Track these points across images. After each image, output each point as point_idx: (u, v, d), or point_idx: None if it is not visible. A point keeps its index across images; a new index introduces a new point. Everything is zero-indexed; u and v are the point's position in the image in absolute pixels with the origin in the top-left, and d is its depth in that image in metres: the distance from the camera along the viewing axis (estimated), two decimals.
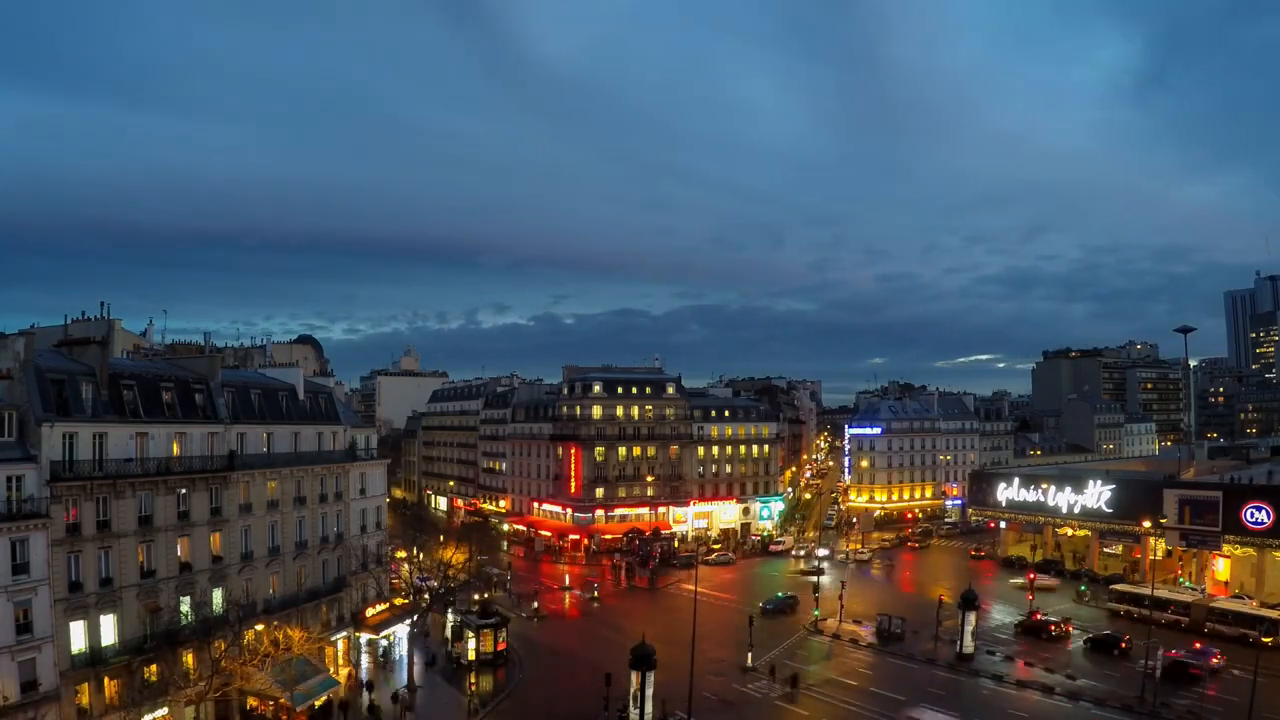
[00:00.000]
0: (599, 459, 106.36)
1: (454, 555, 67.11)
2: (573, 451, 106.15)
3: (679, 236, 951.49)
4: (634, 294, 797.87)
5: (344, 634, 57.93)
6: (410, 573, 77.05)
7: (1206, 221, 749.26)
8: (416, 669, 57.18)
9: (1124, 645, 58.98)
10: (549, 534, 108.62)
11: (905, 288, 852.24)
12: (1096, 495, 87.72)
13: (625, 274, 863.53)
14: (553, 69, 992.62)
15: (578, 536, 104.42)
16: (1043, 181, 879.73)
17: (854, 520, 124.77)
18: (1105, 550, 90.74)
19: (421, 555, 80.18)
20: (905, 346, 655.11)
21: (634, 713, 44.12)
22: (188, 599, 44.48)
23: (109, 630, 40.46)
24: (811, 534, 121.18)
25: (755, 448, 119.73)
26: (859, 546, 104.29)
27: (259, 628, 47.43)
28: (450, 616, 63.82)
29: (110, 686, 39.90)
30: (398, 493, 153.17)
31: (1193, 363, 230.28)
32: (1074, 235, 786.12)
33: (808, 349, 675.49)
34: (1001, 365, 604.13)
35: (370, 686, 53.22)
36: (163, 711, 41.56)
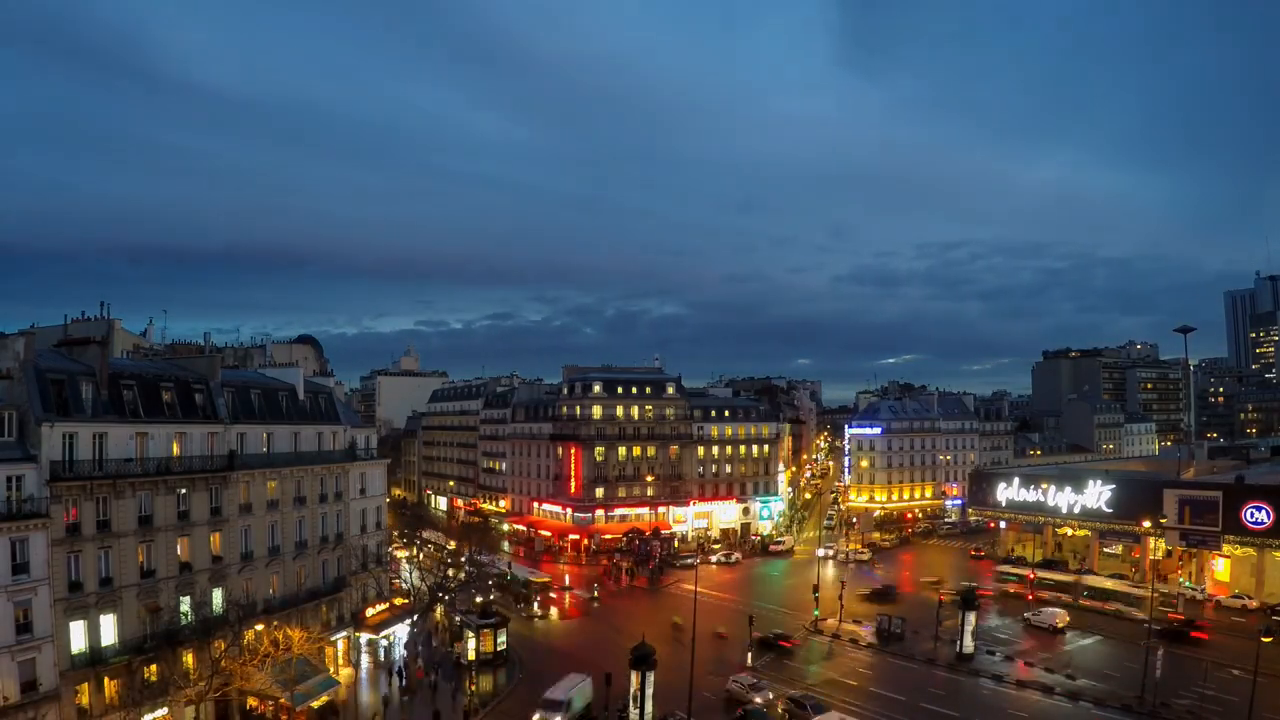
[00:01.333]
0: (599, 459, 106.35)
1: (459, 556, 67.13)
2: (573, 451, 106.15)
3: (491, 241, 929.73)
4: (497, 299, 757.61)
5: (344, 634, 57.94)
6: (412, 571, 77.10)
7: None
8: (417, 669, 57.16)
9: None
10: (549, 534, 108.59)
11: (763, 289, 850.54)
12: (1096, 495, 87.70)
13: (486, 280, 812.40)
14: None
15: (578, 536, 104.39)
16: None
17: (854, 520, 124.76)
18: (1105, 550, 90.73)
19: (421, 555, 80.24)
20: (814, 345, 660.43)
21: (634, 713, 44.12)
22: (188, 599, 44.52)
23: (109, 630, 40.48)
24: (811, 533, 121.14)
25: (755, 448, 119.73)
26: (859, 546, 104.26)
27: (259, 628, 47.44)
28: (451, 616, 63.91)
29: (110, 686, 39.92)
30: (398, 492, 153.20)
31: (1192, 363, 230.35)
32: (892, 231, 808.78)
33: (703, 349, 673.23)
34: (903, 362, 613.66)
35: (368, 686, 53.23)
36: (163, 711, 41.57)
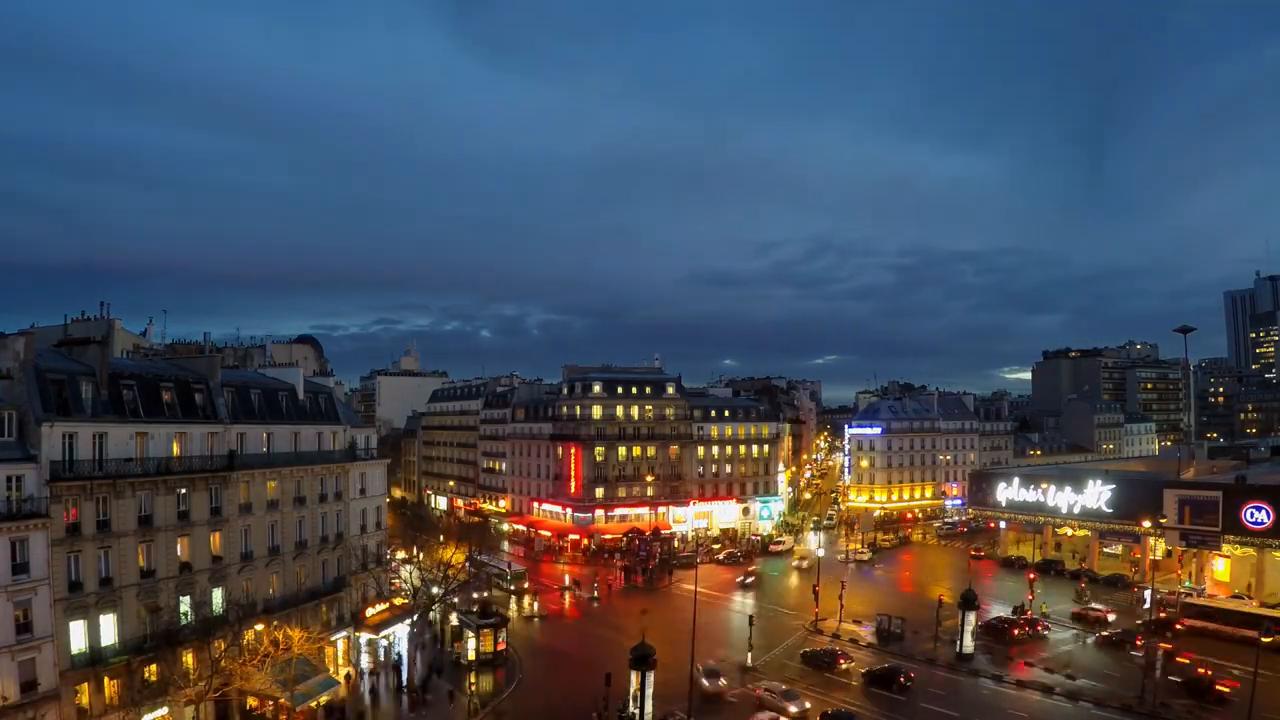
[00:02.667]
0: (599, 459, 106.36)
1: (454, 555, 67.09)
2: (572, 451, 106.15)
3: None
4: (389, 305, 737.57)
5: (344, 634, 57.92)
6: (411, 572, 77.01)
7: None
8: (417, 669, 57.17)
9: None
10: (549, 534, 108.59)
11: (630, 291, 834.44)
12: (1096, 495, 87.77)
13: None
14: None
15: (578, 536, 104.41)
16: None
17: (854, 520, 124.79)
18: (1105, 550, 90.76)
19: (421, 555, 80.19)
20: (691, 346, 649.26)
21: (634, 713, 44.12)
22: (187, 599, 44.50)
23: (109, 630, 40.46)
24: (811, 534, 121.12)
25: (755, 448, 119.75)
26: (859, 546, 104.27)
27: (259, 628, 47.42)
28: (452, 617, 63.88)
29: (110, 686, 39.91)
30: (397, 492, 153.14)
31: (1192, 363, 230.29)
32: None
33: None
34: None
35: (370, 683, 53.23)
36: (163, 711, 41.57)
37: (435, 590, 63.47)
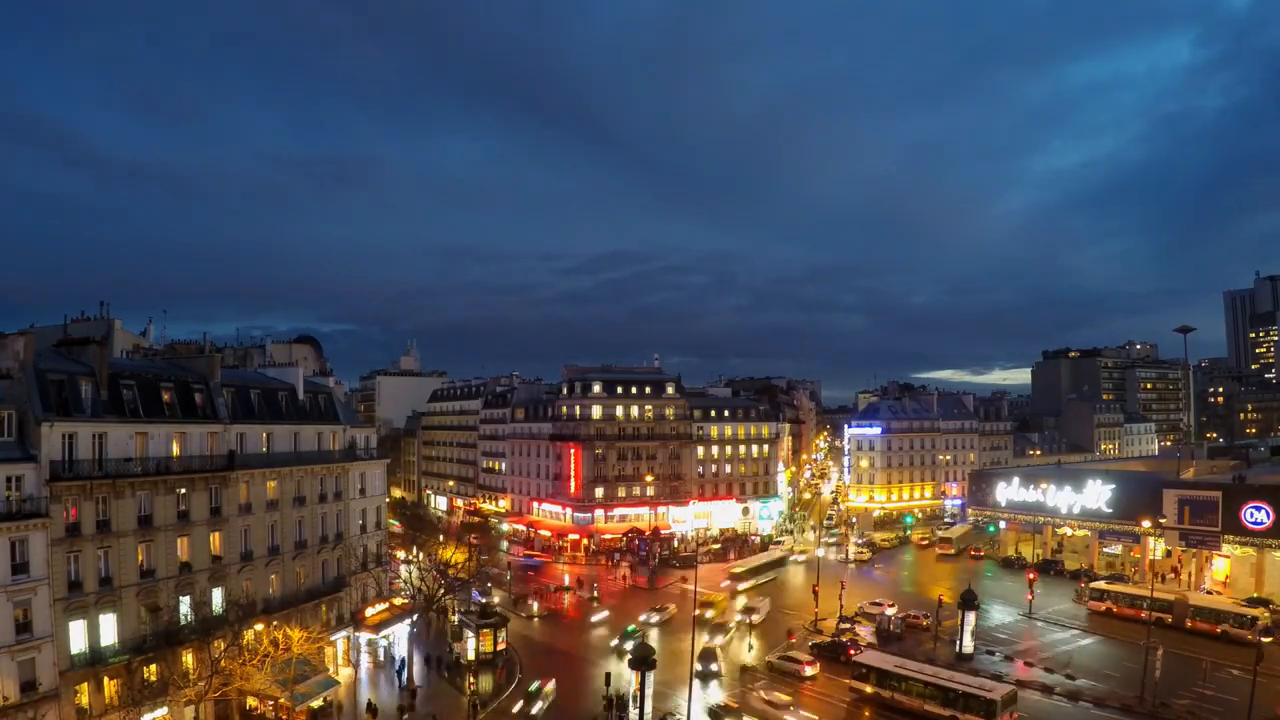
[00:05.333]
0: (599, 459, 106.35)
1: (454, 555, 67.15)
2: (572, 451, 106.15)
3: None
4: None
5: (344, 634, 57.93)
6: (413, 573, 77.02)
7: None
8: (416, 669, 57.17)
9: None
10: (549, 534, 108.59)
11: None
12: (1096, 495, 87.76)
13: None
14: None
15: (577, 536, 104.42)
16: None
17: (853, 520, 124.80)
18: (1105, 550, 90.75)
19: (421, 555, 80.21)
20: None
21: (634, 713, 44.12)
22: (187, 599, 44.49)
23: (109, 630, 40.45)
24: (811, 534, 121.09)
25: (755, 448, 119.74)
26: (859, 546, 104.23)
27: (259, 628, 47.44)
28: (452, 616, 63.81)
29: (110, 686, 39.90)
30: (397, 492, 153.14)
31: (1192, 363, 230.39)
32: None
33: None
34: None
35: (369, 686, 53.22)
36: (162, 711, 41.54)
37: (439, 590, 63.43)
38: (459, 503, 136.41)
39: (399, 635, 61.98)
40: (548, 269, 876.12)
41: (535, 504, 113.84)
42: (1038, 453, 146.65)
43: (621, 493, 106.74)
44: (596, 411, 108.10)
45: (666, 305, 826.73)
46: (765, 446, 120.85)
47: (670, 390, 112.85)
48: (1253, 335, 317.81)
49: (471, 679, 52.64)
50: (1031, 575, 78.85)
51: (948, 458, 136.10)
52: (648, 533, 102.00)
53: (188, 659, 43.48)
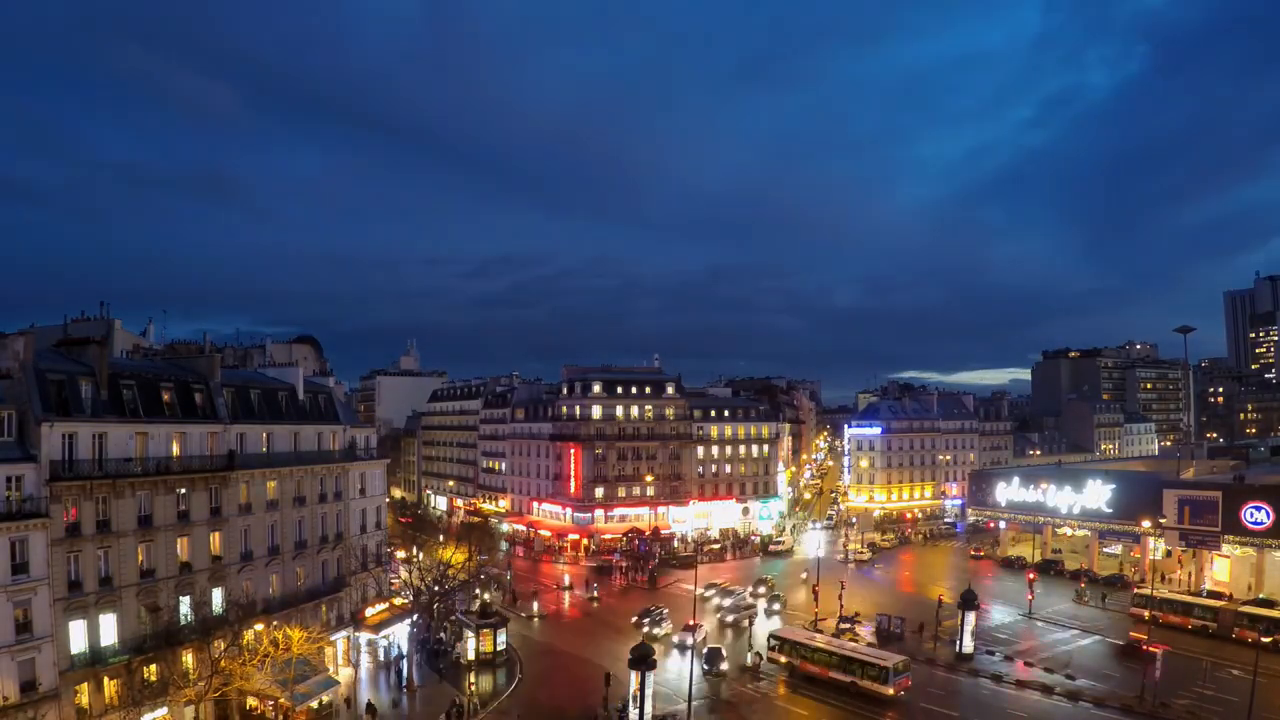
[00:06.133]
0: (598, 459, 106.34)
1: (454, 555, 67.10)
2: (572, 451, 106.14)
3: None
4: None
5: (344, 634, 57.92)
6: (411, 573, 76.93)
7: None
8: (416, 669, 57.15)
9: None
10: (549, 534, 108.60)
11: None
12: (1096, 495, 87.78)
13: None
14: None
15: (577, 536, 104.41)
16: None
17: (853, 520, 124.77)
18: (1104, 550, 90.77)
19: (421, 555, 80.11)
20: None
21: (634, 713, 44.12)
22: (187, 599, 44.48)
23: (109, 630, 40.44)
24: (810, 534, 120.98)
25: (755, 448, 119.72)
26: (859, 546, 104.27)
27: (259, 628, 47.43)
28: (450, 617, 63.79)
29: (110, 686, 39.89)
30: (397, 492, 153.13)
31: (1192, 363, 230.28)
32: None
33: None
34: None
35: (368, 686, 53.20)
36: (162, 711, 41.53)
37: (435, 589, 63.39)
38: (459, 503, 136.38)
39: (399, 635, 61.99)
40: (443, 274, 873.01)
41: (535, 504, 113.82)
42: (1038, 453, 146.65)
43: (621, 493, 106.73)
44: (596, 411, 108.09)
45: (586, 307, 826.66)
46: (765, 446, 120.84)
47: (670, 390, 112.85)
48: (1253, 335, 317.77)
49: (471, 679, 52.63)
50: (1031, 575, 78.93)
51: (948, 458, 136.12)
52: (648, 533, 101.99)
53: (188, 659, 43.46)
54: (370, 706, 49.29)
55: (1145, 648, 52.35)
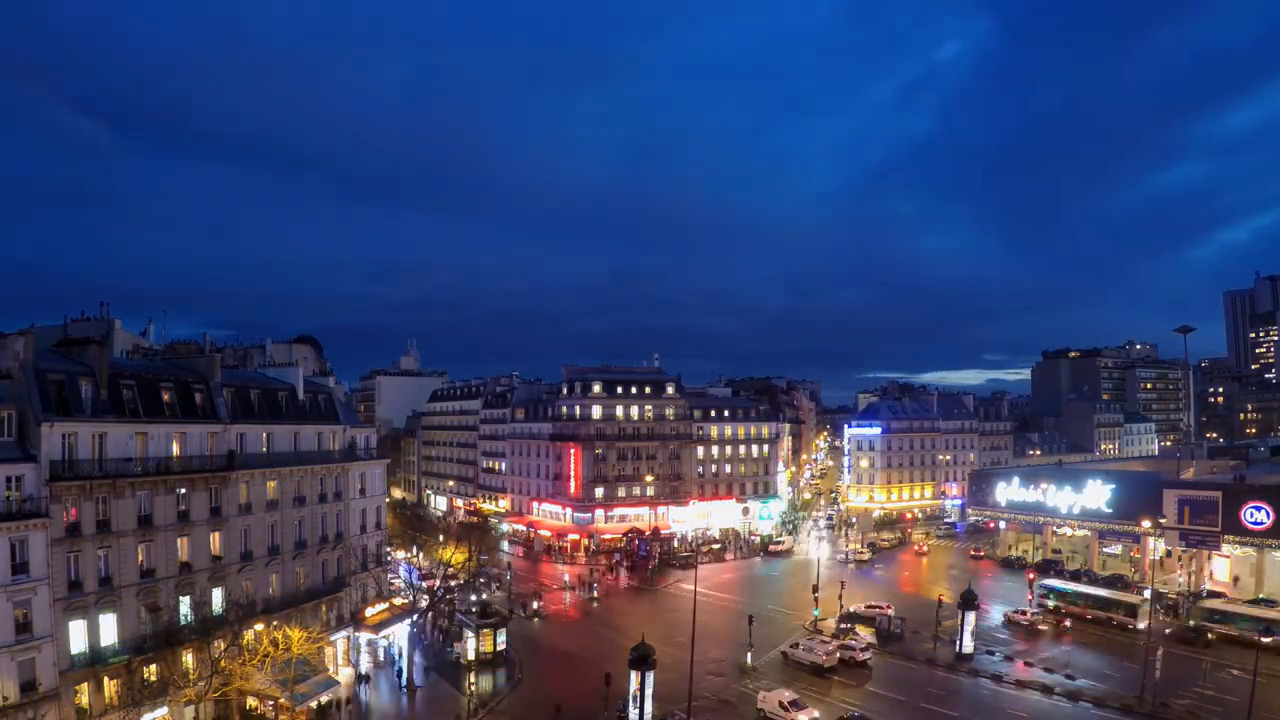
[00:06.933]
0: (598, 459, 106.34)
1: (454, 555, 67.13)
2: (572, 451, 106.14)
3: None
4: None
5: (344, 634, 57.93)
6: (412, 573, 77.04)
7: None
8: (416, 669, 57.16)
9: None
10: (548, 534, 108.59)
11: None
12: (1096, 495, 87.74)
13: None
14: None
15: (577, 536, 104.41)
16: None
17: (853, 520, 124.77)
18: (1104, 550, 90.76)
19: (421, 555, 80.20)
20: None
21: (634, 713, 44.11)
22: (187, 599, 44.50)
23: (109, 630, 40.46)
24: (810, 534, 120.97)
25: (755, 448, 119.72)
26: (859, 546, 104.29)
27: (259, 628, 47.45)
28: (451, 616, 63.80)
29: (110, 686, 39.92)
30: (397, 492, 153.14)
31: (1192, 363, 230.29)
32: None
33: None
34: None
35: (368, 683, 53.18)
36: (162, 711, 41.55)
37: (436, 588, 63.46)
38: (459, 503, 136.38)
39: (399, 635, 62.00)
40: (344, 277, 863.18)
41: (535, 504, 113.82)
42: (1038, 453, 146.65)
43: (621, 493, 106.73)
44: (596, 411, 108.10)
45: (517, 309, 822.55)
46: (765, 447, 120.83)
47: (670, 390, 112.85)
48: (1253, 335, 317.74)
49: (471, 679, 52.63)
50: (1031, 575, 78.92)
51: (948, 458, 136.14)
52: (648, 533, 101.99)
53: (188, 659, 43.47)
54: (370, 707, 49.28)
55: None
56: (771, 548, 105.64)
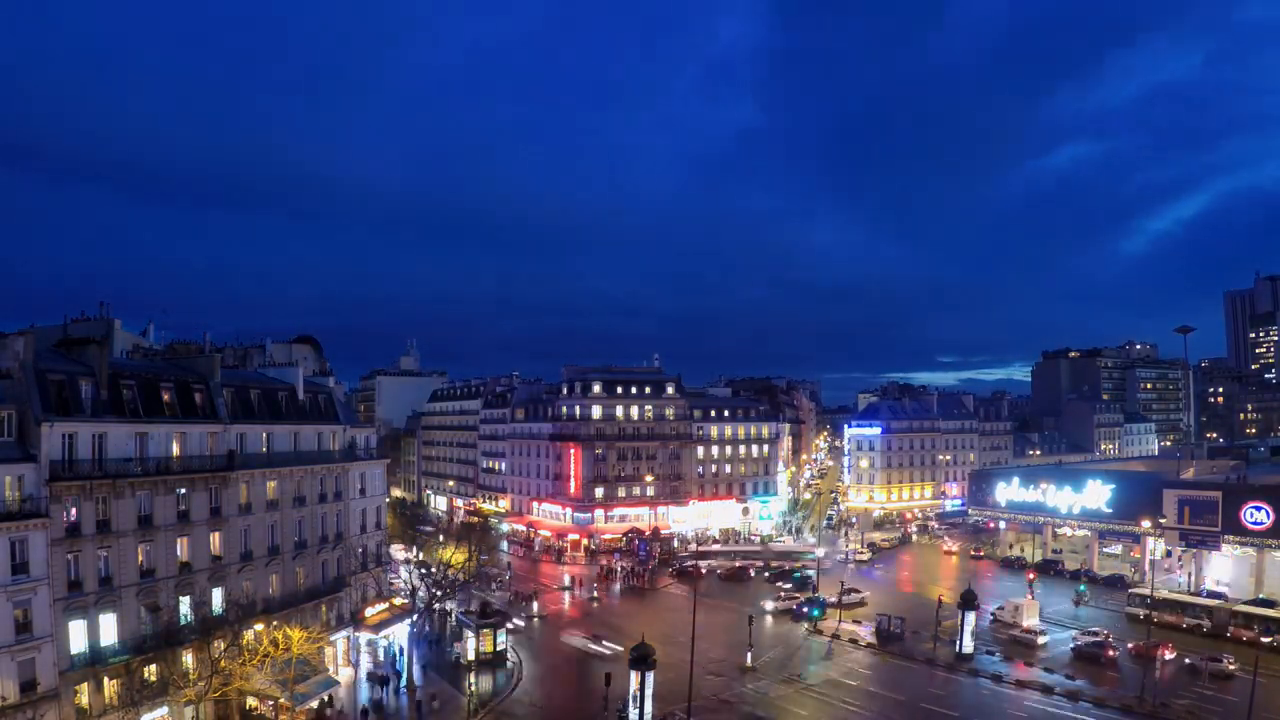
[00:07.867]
0: (598, 459, 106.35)
1: (454, 555, 67.00)
2: (572, 451, 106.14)
3: None
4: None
5: (344, 634, 57.92)
6: (411, 572, 76.91)
7: None
8: (416, 669, 57.11)
9: None
10: (549, 534, 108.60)
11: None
12: (1096, 495, 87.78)
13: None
14: None
15: (577, 536, 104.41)
16: None
17: (853, 520, 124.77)
18: (1104, 550, 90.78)
19: (420, 555, 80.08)
20: None
21: (634, 713, 44.12)
22: (187, 599, 44.47)
23: (109, 630, 40.42)
24: (810, 534, 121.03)
25: (755, 448, 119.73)
26: (859, 546, 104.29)
27: (259, 628, 47.41)
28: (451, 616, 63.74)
29: (110, 686, 39.88)
30: (397, 492, 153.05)
31: (1192, 363, 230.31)
32: None
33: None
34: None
35: (369, 683, 53.15)
36: (162, 711, 41.53)
37: (435, 590, 63.36)
38: (459, 503, 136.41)
39: (399, 635, 61.98)
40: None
41: (535, 504, 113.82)
42: (1038, 453, 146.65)
43: (621, 493, 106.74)
44: (596, 411, 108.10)
45: (443, 313, 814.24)
46: (765, 446, 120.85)
47: (670, 390, 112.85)
48: (1253, 335, 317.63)
49: (471, 679, 52.61)
50: (1031, 575, 78.93)
51: (948, 458, 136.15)
52: (648, 533, 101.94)
53: (188, 659, 43.42)
54: (370, 707, 49.28)
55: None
56: (771, 546, 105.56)
